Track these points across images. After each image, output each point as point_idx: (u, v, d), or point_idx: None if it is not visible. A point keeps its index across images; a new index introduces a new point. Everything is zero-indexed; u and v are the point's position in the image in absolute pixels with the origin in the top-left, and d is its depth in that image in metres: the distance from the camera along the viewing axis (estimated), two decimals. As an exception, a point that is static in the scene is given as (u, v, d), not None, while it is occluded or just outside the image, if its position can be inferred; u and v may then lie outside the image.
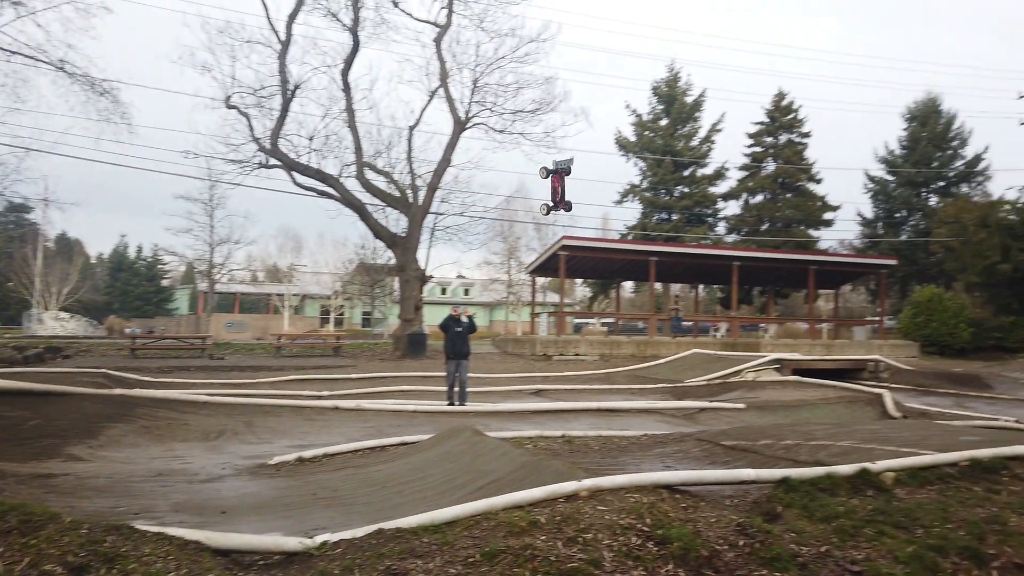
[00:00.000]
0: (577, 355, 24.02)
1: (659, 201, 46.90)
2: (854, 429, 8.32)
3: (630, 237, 45.19)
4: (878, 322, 32.35)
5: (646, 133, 47.66)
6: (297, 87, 24.06)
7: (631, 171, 63.70)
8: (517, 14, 58.82)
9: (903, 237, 46.81)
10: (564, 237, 27.40)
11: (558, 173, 14.89)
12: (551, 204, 14.39)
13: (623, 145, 47.84)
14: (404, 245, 24.91)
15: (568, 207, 14.46)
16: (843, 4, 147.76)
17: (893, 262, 33.42)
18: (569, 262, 27.59)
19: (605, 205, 70.62)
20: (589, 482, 4.57)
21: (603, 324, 34.69)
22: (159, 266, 63.30)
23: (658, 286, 41.75)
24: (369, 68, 59.62)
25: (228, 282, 47.94)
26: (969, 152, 47.54)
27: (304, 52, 42.82)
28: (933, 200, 47.00)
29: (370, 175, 25.18)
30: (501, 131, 25.57)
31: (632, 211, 50.13)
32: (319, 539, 4.15)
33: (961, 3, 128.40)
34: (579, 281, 54.82)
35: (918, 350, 28.33)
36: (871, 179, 49.45)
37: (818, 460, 6.09)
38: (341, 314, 53.05)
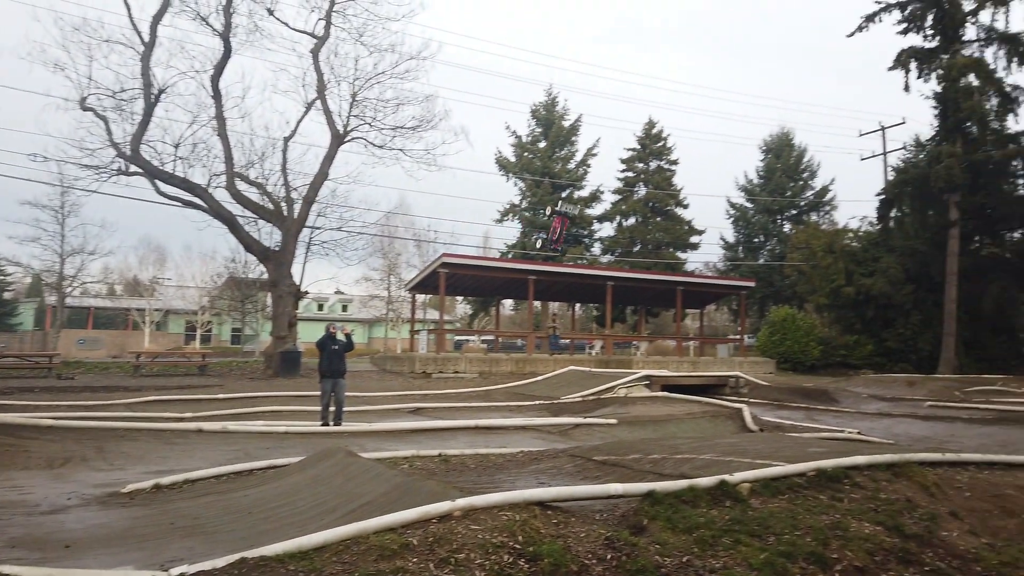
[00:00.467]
0: (457, 373, 24.01)
1: (538, 221, 47.91)
2: (715, 442, 8.78)
3: (510, 256, 45.83)
4: (739, 340, 34.44)
5: (525, 154, 48.70)
6: (162, 91, 22.84)
7: (511, 191, 64.68)
8: (397, 30, 58.71)
9: (761, 261, 50.20)
10: (444, 255, 27.42)
11: (562, 216, 15.16)
12: (549, 239, 14.47)
13: (503, 165, 48.66)
14: (278, 259, 24.06)
15: (563, 251, 14.63)
16: (711, 42, 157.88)
17: (751, 284, 35.73)
18: (449, 279, 27.61)
19: (486, 224, 71.36)
20: (463, 501, 4.56)
21: (483, 341, 34.89)
22: (1, 277, 57.73)
23: (537, 304, 42.54)
24: (242, 76, 57.60)
25: (81, 295, 44.42)
26: (818, 183, 51.89)
27: (171, 55, 40.65)
28: (787, 227, 50.75)
29: (242, 186, 24.21)
30: (381, 146, 25.37)
31: (512, 230, 50.97)
32: (175, 571, 3.90)
33: (814, 50, 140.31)
34: (460, 298, 54.96)
35: (774, 366, 30.36)
36: (732, 206, 52.81)
37: (682, 473, 6.37)
38: (208, 330, 50.38)
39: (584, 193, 49.40)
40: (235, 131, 26.31)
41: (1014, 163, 30.46)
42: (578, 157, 49.59)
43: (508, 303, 56.04)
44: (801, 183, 51.88)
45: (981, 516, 6.23)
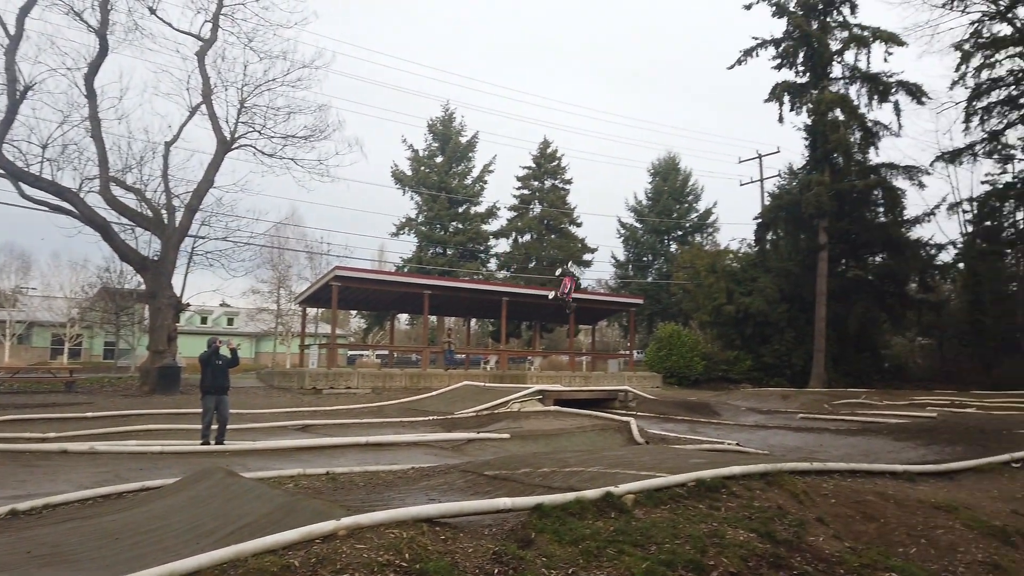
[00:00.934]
0: (349, 388, 23.47)
1: (434, 235, 47.79)
2: (603, 455, 8.99)
3: (406, 270, 45.40)
4: (628, 356, 35.50)
5: (422, 168, 48.57)
6: (29, 88, 21.26)
7: (407, 205, 64.21)
8: (290, 37, 57.56)
9: (649, 279, 52.10)
10: (337, 267, 26.83)
11: (572, 276, 15.05)
12: (561, 294, 14.17)
13: (399, 179, 48.31)
14: (156, 270, 22.78)
15: (571, 306, 14.35)
16: (606, 68, 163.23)
17: (640, 301, 36.98)
18: (342, 293, 27.02)
19: (382, 237, 70.41)
20: (348, 520, 4.45)
21: (378, 356, 34.30)
22: None
23: (433, 319, 42.29)
24: (120, 75, 54.52)
25: (-71, 306, 40.39)
26: (702, 206, 54.58)
27: (40, 51, 38.14)
28: (673, 247, 52.97)
29: (117, 191, 22.82)
30: (271, 155, 24.60)
31: (408, 244, 50.64)
32: (27, 607, 3.59)
33: (702, 79, 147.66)
34: (354, 313, 53.87)
35: (661, 381, 31.49)
36: (623, 225, 54.64)
37: (571, 486, 6.48)
38: (78, 344, 46.96)
39: (480, 209, 49.74)
40: (111, 133, 24.80)
41: (875, 192, 33.10)
42: (475, 173, 49.92)
43: (403, 317, 55.40)
44: (686, 205, 54.38)
45: (845, 521, 6.66)
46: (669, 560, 4.77)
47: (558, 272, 13.47)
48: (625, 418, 15.40)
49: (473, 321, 46.08)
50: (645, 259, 54.57)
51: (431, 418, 16.11)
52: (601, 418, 15.81)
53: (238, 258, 32.31)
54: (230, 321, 59.80)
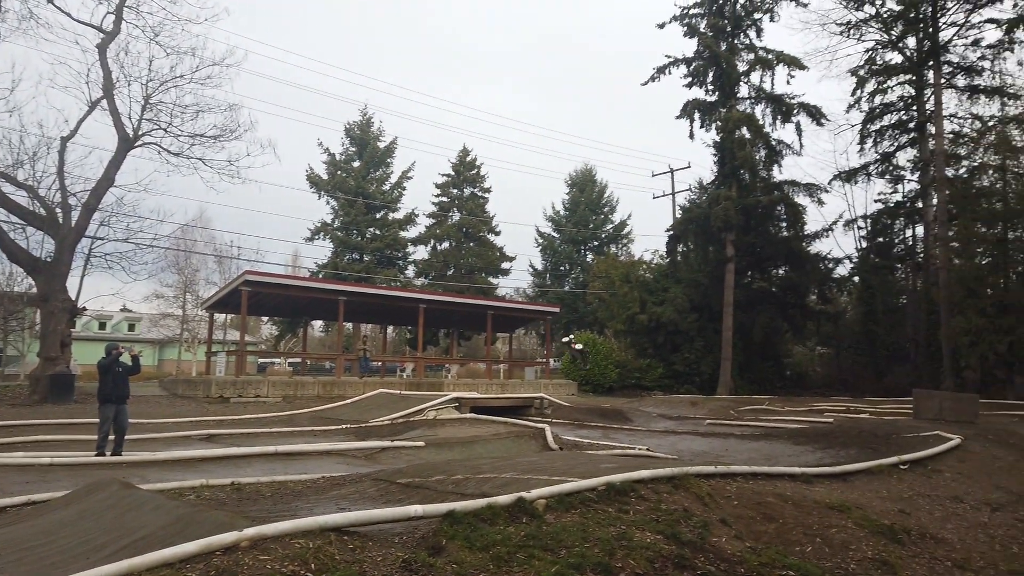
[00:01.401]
0: (258, 397, 22.72)
1: (351, 241, 47.00)
2: (517, 461, 9.03)
3: (321, 275, 44.44)
4: (545, 363, 35.86)
5: (339, 173, 47.76)
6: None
7: (323, 209, 62.97)
8: (199, 33, 55.46)
9: (566, 288, 52.86)
10: (247, 272, 25.96)
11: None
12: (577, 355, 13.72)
13: (315, 182, 47.34)
14: (49, 272, 21.45)
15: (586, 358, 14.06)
16: (527, 80, 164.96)
17: (557, 310, 37.43)
18: (253, 298, 26.17)
19: (295, 242, 68.64)
20: (251, 531, 4.30)
21: (290, 364, 33.37)
22: None
23: (348, 326, 41.54)
24: (12, 66, 51.06)
25: None
26: (617, 217, 55.88)
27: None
28: (590, 257, 53.95)
29: (7, 188, 21.40)
30: (177, 154, 23.60)
31: (323, 249, 49.60)
32: None
33: (620, 93, 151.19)
34: (265, 319, 52.29)
35: (576, 388, 31.92)
36: (541, 235, 55.28)
37: (483, 492, 6.48)
38: (-41, 351, 43.62)
39: (399, 216, 49.29)
40: (1, 126, 23.27)
41: (778, 208, 34.71)
42: (393, 179, 49.46)
43: (318, 324, 54.21)
44: (602, 216, 55.54)
45: (746, 522, 6.91)
46: (578, 563, 4.83)
47: (565, 340, 13.65)
48: (540, 425, 15.52)
49: (390, 328, 45.46)
50: (562, 268, 55.33)
51: (344, 427, 15.78)
52: (516, 425, 15.88)
53: (140, 261, 30.84)
54: (131, 327, 56.97)
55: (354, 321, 40.35)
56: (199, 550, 4.09)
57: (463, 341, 49.04)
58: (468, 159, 51.65)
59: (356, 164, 48.44)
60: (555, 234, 55.16)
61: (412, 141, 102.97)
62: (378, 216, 48.08)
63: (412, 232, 49.89)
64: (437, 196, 51.60)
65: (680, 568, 5.30)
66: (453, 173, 51.69)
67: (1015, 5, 28.51)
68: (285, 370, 29.89)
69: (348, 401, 20.88)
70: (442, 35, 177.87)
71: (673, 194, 41.23)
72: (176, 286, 42.17)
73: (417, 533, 5.22)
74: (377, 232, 47.96)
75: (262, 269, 32.77)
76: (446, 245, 50.47)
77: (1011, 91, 31.05)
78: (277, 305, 31.56)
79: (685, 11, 34.52)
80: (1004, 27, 28.97)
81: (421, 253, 50.84)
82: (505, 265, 51.45)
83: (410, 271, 50.32)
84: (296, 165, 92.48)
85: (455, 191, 51.67)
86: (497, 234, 51.62)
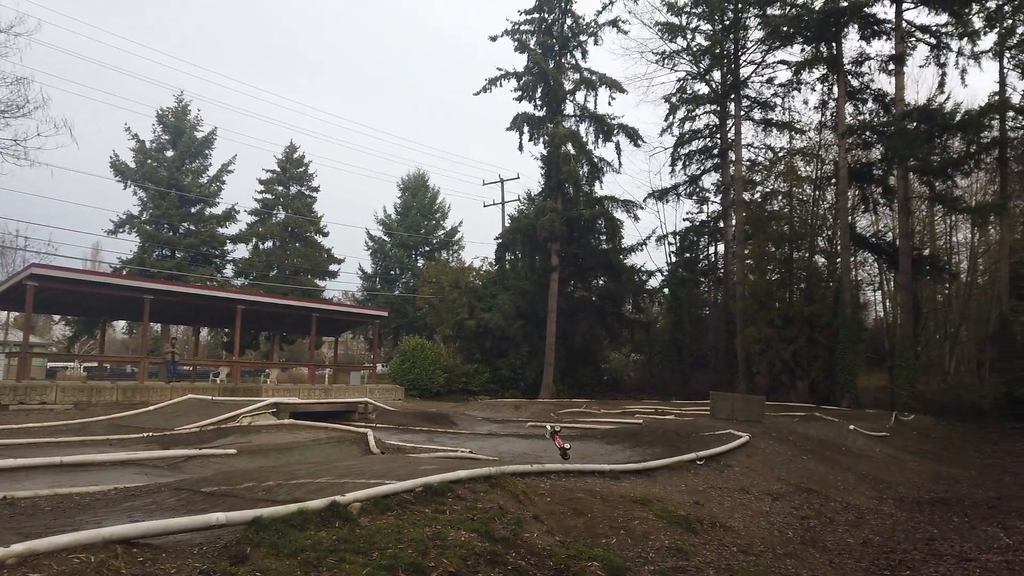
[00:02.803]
0: (44, 403, 20.38)
1: (161, 236, 43.56)
2: (335, 466, 8.79)
3: (125, 272, 40.69)
4: (372, 368, 35.26)
5: (149, 162, 44.15)
6: None
7: (130, 200, 57.93)
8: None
9: (396, 292, 52.37)
10: (34, 265, 23.26)
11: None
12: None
13: (120, 171, 43.42)
14: None
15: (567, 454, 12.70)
16: (361, 80, 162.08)
17: (385, 314, 36.99)
18: (42, 295, 23.44)
19: (96, 234, 62.30)
20: (19, 547, 3.83)
21: (85, 368, 30.21)
22: None
23: (156, 327, 38.39)
24: None
25: None
26: (449, 224, 56.32)
27: None
28: (420, 262, 53.90)
29: None
30: (-49, 128, 20.73)
31: (129, 243, 45.55)
32: None
33: (456, 100, 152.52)
34: (57, 318, 47.12)
35: (403, 393, 31.68)
36: (371, 238, 54.44)
37: (296, 498, 6.23)
38: None
39: (217, 211, 46.38)
40: None
41: (599, 222, 36.67)
42: (212, 172, 46.50)
43: (121, 325, 49.63)
44: (434, 222, 55.73)
45: (558, 517, 7.18)
46: (390, 564, 4.78)
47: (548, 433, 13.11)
48: (363, 429, 15.20)
49: (205, 330, 42.59)
50: (393, 272, 54.79)
51: (147, 435, 14.52)
52: (338, 430, 15.44)
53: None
54: None
55: (163, 322, 37.40)
56: (-48, 573, 3.59)
57: (286, 345, 47.07)
58: (295, 156, 49.75)
59: (169, 153, 44.99)
60: (386, 238, 54.53)
61: (235, 134, 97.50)
62: (193, 211, 44.93)
63: (232, 229, 47.18)
64: (261, 193, 49.21)
65: (492, 564, 5.39)
66: (279, 169, 49.54)
67: (802, 50, 32.26)
68: (79, 375, 27.06)
69: (152, 407, 19.26)
70: (278, 34, 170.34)
71: (503, 203, 42.27)
72: (-56, 279, 36.84)
73: (219, 543, 4.91)
74: (192, 227, 44.81)
75: (56, 263, 29.50)
76: (269, 244, 48.20)
77: (798, 126, 35.06)
78: (72, 303, 28.52)
79: (516, 27, 35.59)
80: (793, 69, 32.66)
81: (242, 252, 48.19)
82: (333, 267, 50.07)
83: (228, 270, 47.49)
84: (99, 151, 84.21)
85: (280, 188, 49.56)
86: (325, 235, 50.16)
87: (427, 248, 54.89)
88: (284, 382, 30.14)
